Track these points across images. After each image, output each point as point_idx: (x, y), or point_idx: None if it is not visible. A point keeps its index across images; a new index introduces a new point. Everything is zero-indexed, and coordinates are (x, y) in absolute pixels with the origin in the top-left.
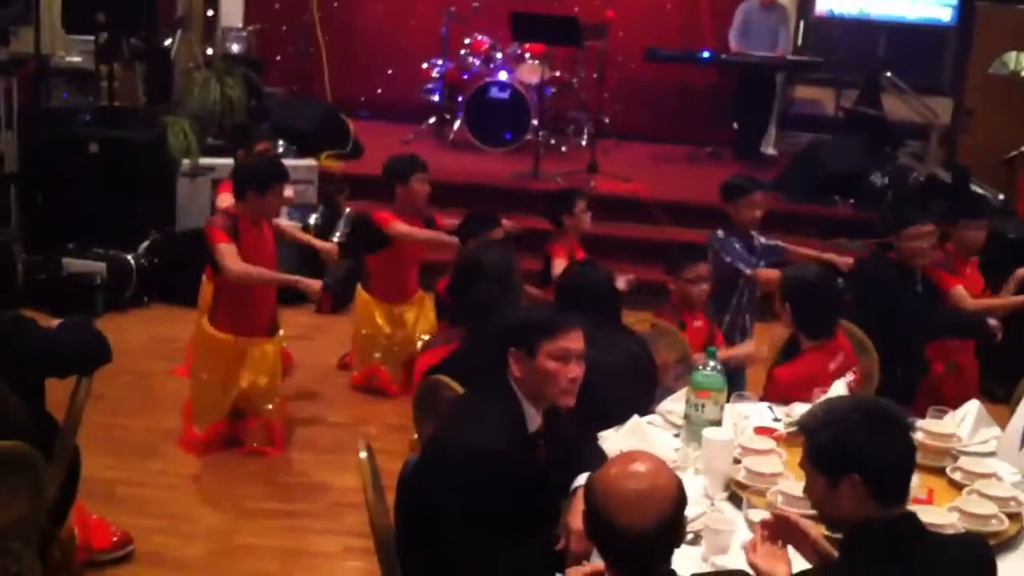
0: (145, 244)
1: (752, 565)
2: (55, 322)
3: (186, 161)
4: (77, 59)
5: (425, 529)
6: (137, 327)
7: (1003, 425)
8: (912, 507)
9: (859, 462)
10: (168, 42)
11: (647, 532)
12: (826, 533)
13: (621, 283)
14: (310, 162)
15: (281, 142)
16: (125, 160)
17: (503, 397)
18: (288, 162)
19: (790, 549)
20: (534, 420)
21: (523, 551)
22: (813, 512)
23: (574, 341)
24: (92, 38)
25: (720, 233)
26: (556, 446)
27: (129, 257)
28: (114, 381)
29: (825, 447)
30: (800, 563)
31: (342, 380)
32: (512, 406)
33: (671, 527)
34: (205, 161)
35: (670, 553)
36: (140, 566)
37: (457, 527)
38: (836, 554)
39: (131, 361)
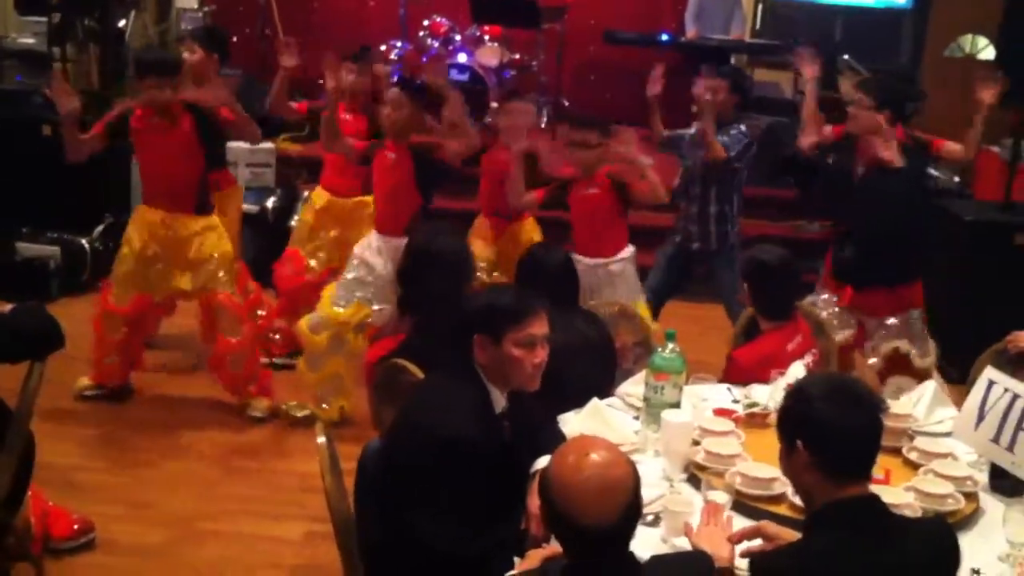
0: (100, 228)
1: (695, 547)
2: (7, 307)
3: None
4: (30, 40)
5: (389, 513)
6: (92, 312)
7: (958, 405)
8: (869, 487)
9: (804, 429)
10: (122, 23)
11: (602, 526)
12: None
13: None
14: (268, 145)
15: None
16: None
17: (469, 379)
18: (245, 145)
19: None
20: (499, 401)
21: (489, 533)
22: (770, 493)
23: (539, 326)
24: (45, 19)
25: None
26: (520, 426)
27: (84, 241)
28: (69, 367)
29: (781, 411)
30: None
31: None
32: (478, 388)
33: (626, 517)
34: None
35: (627, 540)
36: (101, 554)
37: (424, 510)
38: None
39: (86, 346)
